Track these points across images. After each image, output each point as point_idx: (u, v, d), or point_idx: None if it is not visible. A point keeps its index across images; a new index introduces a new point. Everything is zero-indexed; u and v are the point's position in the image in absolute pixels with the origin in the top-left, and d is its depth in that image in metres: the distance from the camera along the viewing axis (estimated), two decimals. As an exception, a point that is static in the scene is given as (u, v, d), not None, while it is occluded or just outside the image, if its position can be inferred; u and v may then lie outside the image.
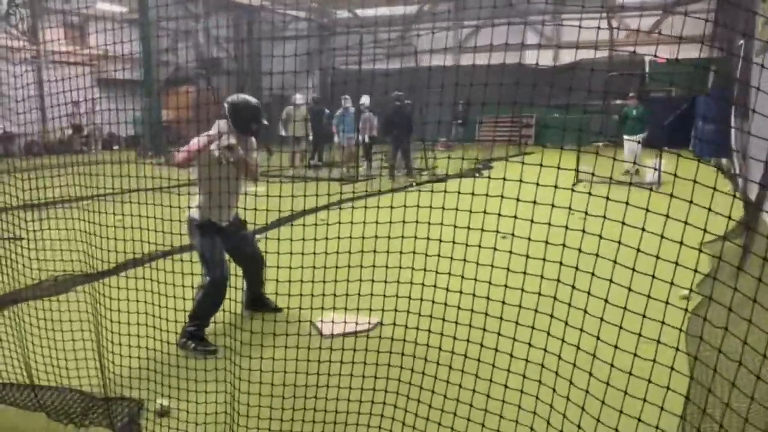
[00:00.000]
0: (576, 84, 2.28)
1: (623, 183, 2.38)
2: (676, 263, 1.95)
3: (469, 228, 2.46)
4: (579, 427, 2.30)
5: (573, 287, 2.18)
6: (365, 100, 12.69)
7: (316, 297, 2.80)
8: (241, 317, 4.24)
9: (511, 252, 2.38)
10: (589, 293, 2.16)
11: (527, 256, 2.32)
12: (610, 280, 2.09)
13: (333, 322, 3.86)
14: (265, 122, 3.99)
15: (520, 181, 2.33)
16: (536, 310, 2.34)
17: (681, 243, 1.95)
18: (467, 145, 17.63)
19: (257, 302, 4.38)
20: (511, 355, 2.41)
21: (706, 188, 1.94)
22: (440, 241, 2.55)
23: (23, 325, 3.25)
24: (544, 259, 2.26)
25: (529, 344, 2.38)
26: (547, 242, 2.25)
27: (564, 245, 2.12)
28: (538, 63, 2.35)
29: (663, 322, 2.01)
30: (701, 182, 1.94)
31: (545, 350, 2.34)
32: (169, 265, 3.15)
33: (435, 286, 2.55)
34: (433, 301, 2.62)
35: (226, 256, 3.97)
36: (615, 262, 2.08)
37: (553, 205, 2.19)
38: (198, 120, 3.63)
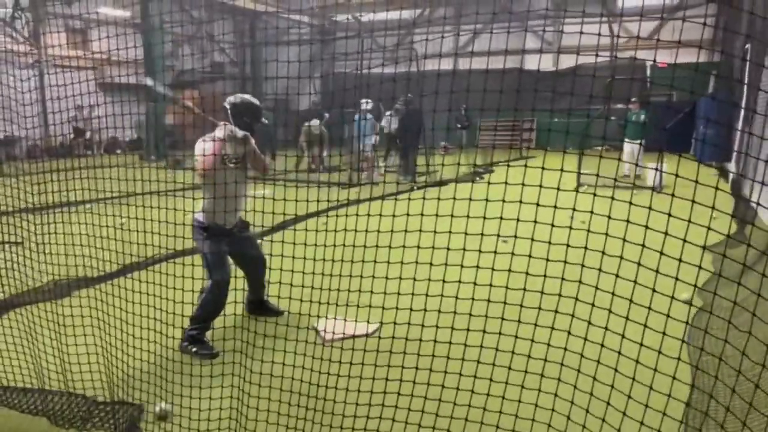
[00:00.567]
0: (577, 88, 2.29)
1: (625, 187, 2.38)
2: (680, 261, 1.95)
3: (466, 233, 2.46)
4: (583, 426, 2.30)
5: (576, 295, 2.19)
6: (369, 104, 12.77)
7: (318, 300, 2.81)
8: (246, 319, 4.25)
9: (512, 253, 2.38)
10: (593, 298, 2.16)
11: (529, 257, 2.32)
12: (616, 275, 2.09)
13: (334, 327, 3.86)
14: (265, 121, 4.03)
15: (522, 184, 2.34)
16: (538, 311, 2.34)
17: (684, 242, 1.95)
18: (468, 149, 17.64)
19: (259, 306, 4.39)
20: (510, 364, 2.41)
21: (707, 192, 1.94)
22: (447, 249, 2.55)
23: (27, 329, 3.26)
24: (545, 268, 2.27)
25: (530, 349, 2.38)
26: (549, 246, 2.25)
27: (567, 245, 2.13)
28: (540, 68, 2.35)
29: (664, 332, 2.01)
30: (701, 186, 1.95)
31: (545, 360, 2.34)
32: (172, 269, 3.16)
33: (441, 295, 2.55)
34: (439, 310, 2.62)
35: (230, 260, 3.98)
36: (620, 259, 2.08)
37: (555, 207, 2.20)
38: (202, 124, 3.66)
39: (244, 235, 4.09)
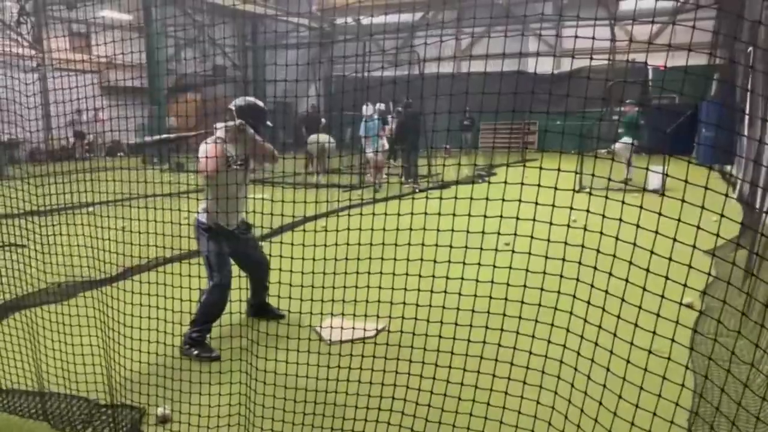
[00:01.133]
0: (578, 91, 2.30)
1: (627, 190, 2.39)
2: (688, 264, 1.95)
3: (468, 231, 2.47)
4: (578, 426, 2.30)
5: (574, 293, 2.19)
6: (370, 107, 12.78)
7: (321, 302, 2.81)
8: (248, 320, 4.25)
9: (513, 252, 2.39)
10: (595, 299, 2.16)
11: (529, 255, 2.32)
12: (626, 280, 2.09)
13: (341, 328, 3.86)
14: (270, 124, 4.05)
15: (522, 184, 2.35)
16: (538, 317, 2.34)
17: (692, 247, 1.95)
18: (471, 152, 17.64)
19: (261, 309, 4.39)
20: (512, 363, 2.41)
21: (709, 195, 1.94)
22: (450, 247, 2.56)
23: (29, 331, 3.26)
24: (544, 268, 2.27)
25: (530, 351, 2.38)
26: (547, 255, 2.26)
27: (566, 244, 2.13)
28: (543, 70, 2.36)
29: (671, 339, 2.01)
30: (702, 190, 1.95)
31: (546, 356, 2.34)
32: (174, 271, 3.17)
33: (445, 292, 2.56)
34: (443, 307, 2.63)
35: (231, 261, 3.98)
36: (629, 263, 2.08)
37: (554, 206, 2.20)
38: (205, 128, 3.67)
39: (246, 237, 4.10)
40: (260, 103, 3.95)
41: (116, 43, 3.28)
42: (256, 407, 2.76)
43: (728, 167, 11.54)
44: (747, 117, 8.26)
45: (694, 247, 1.94)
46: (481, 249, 2.47)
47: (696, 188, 1.99)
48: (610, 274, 2.09)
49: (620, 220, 2.09)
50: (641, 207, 2.02)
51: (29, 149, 15.33)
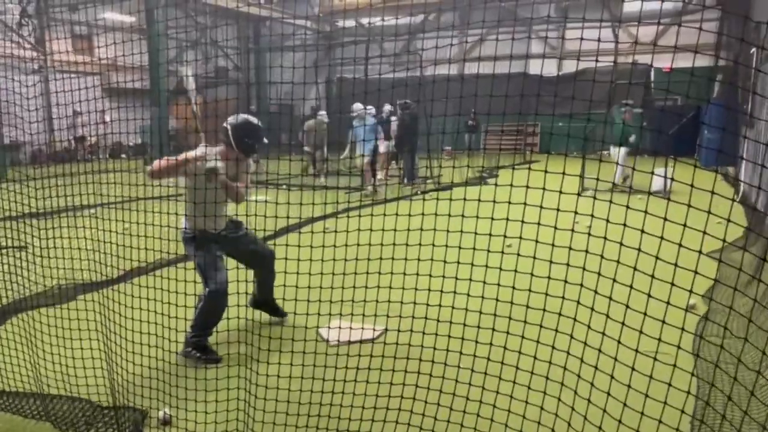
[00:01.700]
0: (581, 93, 2.29)
1: (630, 192, 2.37)
2: (698, 267, 1.94)
3: (473, 232, 2.46)
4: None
5: (579, 301, 2.17)
6: (371, 109, 12.78)
7: (323, 304, 2.80)
8: (250, 323, 4.23)
9: (518, 255, 2.38)
10: (593, 307, 2.15)
11: (534, 258, 2.31)
12: (630, 286, 2.08)
13: (339, 328, 3.85)
14: (266, 141, 3.99)
15: (527, 186, 2.33)
16: (543, 313, 2.32)
17: (700, 252, 1.94)
18: (473, 154, 17.64)
19: (264, 304, 4.37)
20: (517, 367, 2.40)
21: (712, 197, 1.93)
22: (447, 247, 2.55)
23: (31, 333, 3.26)
24: (549, 276, 2.26)
25: (535, 356, 2.36)
26: (551, 257, 2.24)
27: (570, 248, 2.11)
28: (545, 72, 2.35)
29: (677, 347, 1.99)
30: (704, 192, 1.94)
31: (550, 362, 2.33)
32: (175, 274, 3.16)
33: (449, 292, 2.55)
34: (443, 307, 2.61)
35: (227, 264, 3.93)
36: (634, 270, 2.06)
37: (558, 210, 2.19)
38: (206, 130, 3.66)
39: (237, 236, 4.05)
40: (255, 121, 3.87)
41: (118, 45, 3.27)
42: (257, 410, 2.75)
43: (730, 169, 11.51)
44: (748, 119, 8.24)
45: (700, 252, 1.92)
46: (483, 250, 2.45)
47: (699, 190, 1.97)
48: (614, 280, 2.08)
49: (625, 225, 2.07)
50: (646, 211, 2.00)
51: (31, 151, 15.37)
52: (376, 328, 3.90)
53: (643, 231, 1.99)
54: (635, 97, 14.04)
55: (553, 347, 2.32)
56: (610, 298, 2.11)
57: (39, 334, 3.28)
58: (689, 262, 1.98)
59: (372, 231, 2.78)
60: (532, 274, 2.32)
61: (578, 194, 2.30)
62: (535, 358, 2.36)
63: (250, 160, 4.00)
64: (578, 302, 2.21)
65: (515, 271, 2.38)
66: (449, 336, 2.54)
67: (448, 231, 2.51)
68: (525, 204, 2.26)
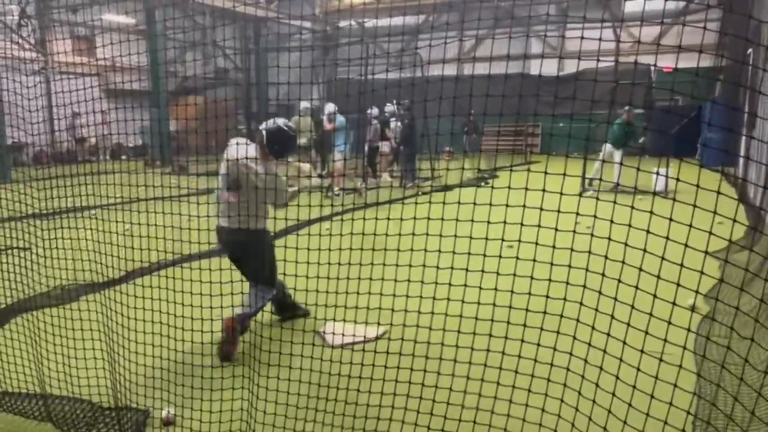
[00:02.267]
0: (582, 93, 2.28)
1: (630, 192, 2.37)
2: (704, 269, 1.93)
3: (455, 236, 2.46)
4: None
5: (581, 302, 2.17)
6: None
7: (324, 305, 2.80)
8: (252, 324, 4.23)
9: (517, 258, 2.37)
10: (597, 308, 2.14)
11: (534, 260, 2.30)
12: (636, 287, 2.07)
13: (342, 330, 3.85)
14: (301, 144, 4.15)
15: (526, 189, 2.33)
16: (543, 316, 2.32)
17: (701, 248, 1.93)
18: (473, 155, 17.64)
19: (287, 309, 4.40)
20: (516, 371, 2.39)
21: (711, 197, 1.93)
22: (453, 252, 2.54)
23: (33, 334, 3.26)
24: (549, 279, 2.25)
25: (536, 354, 2.36)
26: (552, 259, 2.24)
27: (571, 249, 2.11)
28: (545, 72, 2.35)
29: (685, 344, 1.99)
30: (707, 192, 1.93)
31: (551, 364, 2.32)
32: (177, 274, 3.16)
33: (447, 298, 2.54)
34: (446, 313, 2.61)
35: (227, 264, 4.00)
36: (640, 268, 2.06)
37: (558, 211, 2.19)
38: (206, 131, 3.65)
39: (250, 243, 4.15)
40: (287, 129, 3.94)
41: (119, 46, 3.27)
42: (258, 412, 2.74)
43: (731, 169, 11.50)
44: (748, 118, 8.23)
45: (706, 252, 1.92)
46: (479, 255, 2.45)
47: (700, 191, 1.97)
48: (619, 280, 2.07)
49: (629, 225, 2.07)
50: (651, 212, 2.00)
51: (33, 152, 15.39)
52: (378, 330, 3.90)
53: (648, 231, 1.99)
54: (636, 98, 14.02)
55: (555, 349, 2.32)
56: (615, 298, 2.11)
57: (42, 334, 3.28)
58: (690, 262, 1.98)
59: (373, 234, 2.78)
60: (531, 277, 2.32)
61: (579, 195, 2.29)
62: (535, 361, 2.36)
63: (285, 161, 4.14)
64: (581, 303, 2.20)
65: (514, 274, 2.38)
66: (453, 342, 2.54)
67: (441, 235, 2.51)
68: (524, 206, 2.26)
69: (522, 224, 2.26)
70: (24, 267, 3.37)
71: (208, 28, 16.59)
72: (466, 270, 2.48)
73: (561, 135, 2.65)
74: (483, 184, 11.28)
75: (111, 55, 3.26)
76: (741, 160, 10.07)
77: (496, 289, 2.41)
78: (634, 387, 2.08)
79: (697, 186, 1.92)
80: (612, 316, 2.09)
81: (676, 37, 1.97)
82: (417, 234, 2.60)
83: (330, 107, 11.58)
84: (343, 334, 3.70)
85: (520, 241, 2.26)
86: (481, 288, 2.43)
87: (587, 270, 2.18)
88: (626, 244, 2.05)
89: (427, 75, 3.96)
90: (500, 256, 2.40)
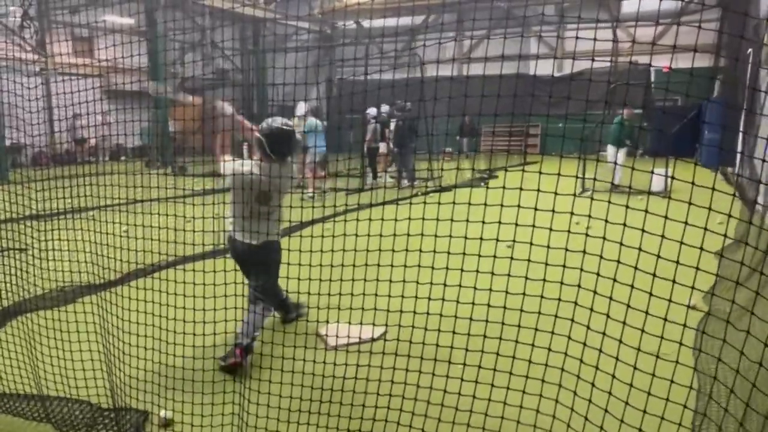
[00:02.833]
0: (580, 93, 2.29)
1: (629, 192, 2.38)
2: (703, 267, 1.94)
3: (465, 237, 2.46)
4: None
5: (575, 299, 2.17)
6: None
7: (322, 305, 2.81)
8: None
9: (512, 258, 2.38)
10: (592, 307, 2.15)
11: (529, 261, 2.31)
12: (632, 286, 2.08)
13: (338, 332, 3.85)
14: (301, 145, 4.06)
15: (520, 188, 2.34)
16: (538, 316, 2.33)
17: (701, 248, 1.94)
18: (472, 155, 17.65)
19: (288, 313, 4.38)
20: (511, 372, 2.40)
21: (713, 197, 1.93)
22: (448, 253, 2.55)
23: (31, 336, 3.27)
24: (544, 279, 2.26)
25: (530, 355, 2.37)
26: (547, 259, 2.24)
27: (566, 249, 2.11)
28: (545, 73, 2.35)
29: (681, 343, 1.99)
30: (707, 191, 1.94)
31: (546, 364, 2.33)
32: (175, 276, 3.16)
33: (443, 298, 2.55)
34: (441, 314, 2.61)
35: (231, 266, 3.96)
36: (636, 269, 2.06)
37: (553, 211, 2.19)
38: (204, 132, 3.66)
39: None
40: (287, 128, 3.84)
41: (119, 47, 3.28)
42: (256, 414, 2.75)
43: (730, 169, 11.51)
44: (746, 117, 8.24)
45: (701, 248, 1.93)
46: (474, 255, 2.45)
47: (699, 191, 1.97)
48: (615, 280, 2.08)
49: (628, 225, 2.07)
50: (646, 210, 2.00)
51: (32, 153, 15.39)
52: (377, 331, 3.90)
53: (643, 230, 2.00)
54: (635, 98, 14.03)
55: (549, 349, 2.32)
56: (611, 298, 2.11)
57: (40, 336, 3.29)
58: (689, 261, 1.98)
59: (367, 235, 2.77)
60: (526, 278, 2.32)
61: (574, 195, 2.30)
62: (529, 362, 2.37)
63: (289, 162, 4.05)
64: (575, 303, 2.21)
65: (508, 274, 2.38)
66: (451, 342, 2.55)
67: (436, 236, 2.51)
68: (518, 206, 2.26)
69: (516, 224, 2.27)
70: (21, 268, 3.37)
71: (208, 29, 16.61)
72: (461, 270, 2.49)
73: (558, 135, 2.66)
74: (482, 184, 11.28)
75: (112, 56, 3.28)
76: (739, 159, 10.06)
77: (490, 289, 2.41)
78: (630, 385, 2.08)
79: (692, 183, 1.93)
80: (607, 315, 2.09)
81: (674, 37, 1.98)
82: (412, 234, 2.61)
83: (300, 109, 11.40)
84: (338, 336, 3.70)
85: (514, 240, 2.27)
86: (475, 288, 2.43)
87: (581, 269, 2.19)
88: (622, 244, 2.06)
89: (422, 75, 3.97)
90: (494, 257, 2.40)
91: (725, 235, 2.07)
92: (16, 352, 3.35)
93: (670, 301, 1.99)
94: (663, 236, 1.95)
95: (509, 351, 2.41)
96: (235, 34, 22.57)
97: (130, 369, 3.10)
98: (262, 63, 21.22)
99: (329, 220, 7.05)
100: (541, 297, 2.29)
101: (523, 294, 2.35)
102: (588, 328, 2.21)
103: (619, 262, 2.07)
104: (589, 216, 2.09)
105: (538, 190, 2.29)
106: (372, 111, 12.75)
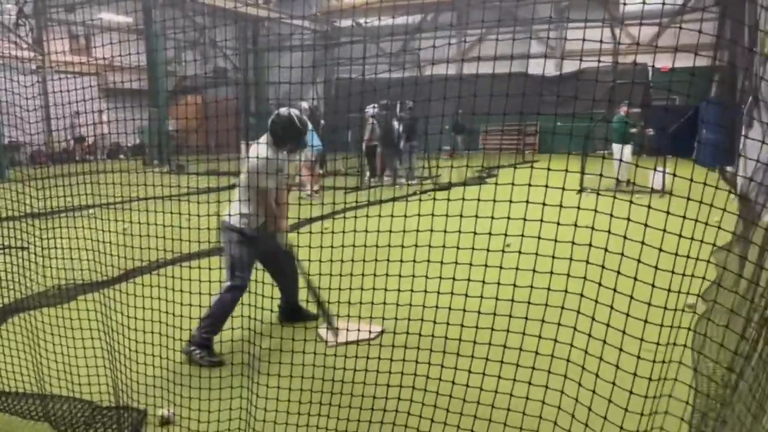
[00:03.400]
0: (579, 92, 2.29)
1: (628, 191, 2.37)
2: (697, 266, 1.94)
3: (461, 231, 2.46)
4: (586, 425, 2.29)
5: (579, 298, 2.17)
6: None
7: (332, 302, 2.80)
8: (252, 322, 4.23)
9: (503, 251, 2.38)
10: (594, 314, 2.15)
11: (535, 262, 2.31)
12: (634, 279, 2.08)
13: (339, 330, 3.85)
14: (308, 139, 4.05)
15: (512, 184, 2.34)
16: (545, 308, 2.33)
17: (683, 251, 1.94)
18: (471, 154, 17.68)
19: (293, 313, 4.38)
20: (517, 364, 2.40)
21: (710, 197, 1.93)
22: (442, 247, 2.55)
23: (32, 334, 3.26)
24: (552, 271, 2.26)
25: (537, 347, 2.37)
26: (554, 253, 2.24)
27: (571, 247, 2.11)
28: (543, 72, 2.35)
29: (683, 345, 1.99)
30: (705, 191, 1.94)
31: (552, 355, 2.33)
32: (175, 273, 3.16)
33: (438, 291, 2.55)
34: (446, 308, 2.61)
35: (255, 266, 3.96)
36: (638, 261, 2.07)
37: (560, 206, 2.19)
38: (206, 130, 3.65)
39: (280, 245, 4.07)
40: (296, 120, 3.86)
41: (116, 45, 3.27)
42: (257, 409, 2.75)
43: (729, 168, 11.52)
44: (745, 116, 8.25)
45: (694, 240, 1.93)
46: (466, 250, 2.45)
47: (697, 189, 1.98)
48: (618, 271, 2.08)
49: (631, 226, 2.07)
50: (649, 206, 2.00)
51: (30, 152, 15.35)
52: (375, 328, 3.90)
53: (646, 225, 1.99)
54: (634, 97, 14.04)
55: (555, 340, 2.32)
56: (611, 303, 2.12)
57: (40, 334, 3.28)
58: (688, 261, 1.99)
59: (382, 233, 2.77)
60: (517, 269, 2.32)
61: (573, 191, 2.30)
62: (536, 353, 2.37)
63: (300, 156, 4.07)
64: (567, 299, 2.21)
65: (500, 266, 2.38)
66: (446, 338, 2.55)
67: (431, 230, 2.52)
68: (510, 201, 2.26)
69: (509, 218, 2.28)
70: (21, 266, 3.36)
71: (207, 28, 16.58)
72: (455, 263, 2.50)
73: (555, 134, 2.66)
74: (485, 181, 11.29)
75: (109, 54, 3.26)
76: (739, 158, 10.07)
77: (483, 281, 2.42)
78: (635, 374, 2.09)
79: (690, 179, 1.93)
80: (611, 306, 2.10)
81: (674, 37, 1.98)
82: (407, 231, 2.61)
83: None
84: (337, 330, 3.70)
85: (506, 234, 2.28)
86: (469, 280, 2.44)
87: (571, 259, 2.20)
88: (625, 236, 2.06)
89: (418, 75, 3.96)
90: (488, 250, 2.40)
91: (720, 226, 2.07)
92: (17, 350, 3.34)
93: (669, 290, 1.99)
94: (664, 230, 1.95)
95: (515, 343, 2.42)
96: (232, 34, 22.53)
97: (131, 366, 3.10)
98: (261, 62, 21.21)
99: (328, 218, 7.04)
100: (528, 300, 2.29)
101: (513, 285, 2.35)
102: (592, 319, 2.21)
103: (623, 255, 2.07)
104: (578, 209, 2.09)
105: (529, 185, 2.29)
106: (370, 110, 12.76)
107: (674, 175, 2.04)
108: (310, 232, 3.03)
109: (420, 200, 2.80)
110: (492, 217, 2.41)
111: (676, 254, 1.92)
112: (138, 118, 3.86)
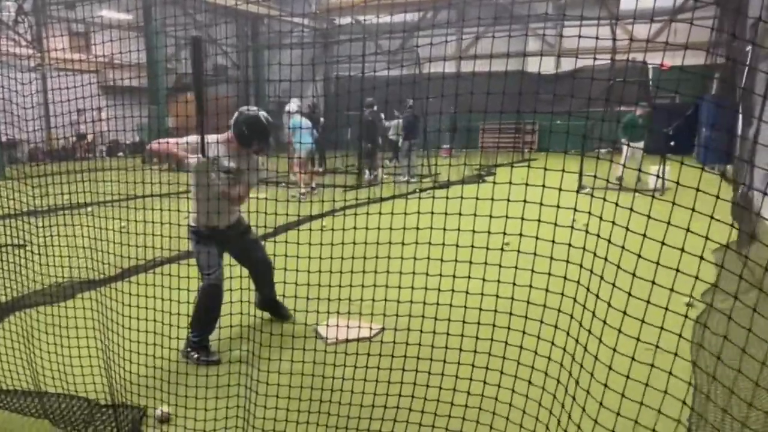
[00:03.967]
0: (578, 91, 2.28)
1: (627, 191, 2.37)
2: (701, 265, 1.94)
3: (459, 229, 2.46)
4: (578, 427, 2.29)
5: (574, 296, 2.18)
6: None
7: (321, 302, 2.81)
8: (251, 321, 4.24)
9: (502, 249, 2.38)
10: (594, 311, 2.15)
11: (533, 261, 2.32)
12: (633, 278, 2.08)
13: (338, 329, 3.85)
14: (272, 140, 3.99)
15: (508, 183, 2.34)
16: (543, 309, 2.33)
17: (683, 250, 1.94)
18: (469, 152, 17.66)
19: (268, 305, 4.39)
20: (519, 361, 2.41)
21: (710, 195, 1.93)
22: (429, 243, 2.55)
23: (29, 332, 3.26)
24: (550, 272, 2.26)
25: (536, 346, 2.37)
26: (553, 248, 2.25)
27: (570, 246, 2.11)
28: (541, 70, 2.35)
29: (679, 334, 2.00)
30: (704, 190, 1.94)
31: (549, 358, 2.34)
32: (173, 271, 3.16)
33: (425, 287, 2.55)
34: (446, 306, 2.62)
35: (226, 261, 3.93)
36: (643, 268, 2.07)
37: (558, 206, 2.19)
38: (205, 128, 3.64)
39: (247, 238, 4.06)
40: (263, 118, 3.80)
41: (115, 43, 3.27)
42: (257, 407, 2.75)
43: (728, 167, 11.52)
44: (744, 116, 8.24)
45: (705, 239, 1.93)
46: (461, 249, 2.45)
47: (695, 188, 1.97)
48: (618, 266, 2.08)
49: (630, 224, 2.07)
50: (650, 209, 2.00)
51: (28, 149, 15.34)
52: (374, 326, 3.91)
53: (649, 217, 1.99)
54: (633, 96, 14.01)
55: (552, 342, 2.33)
56: (609, 303, 2.12)
57: (38, 332, 3.28)
58: (686, 260, 1.99)
59: (379, 230, 2.78)
60: (499, 265, 2.33)
61: (576, 190, 2.30)
62: (535, 353, 2.37)
63: (257, 156, 4.02)
64: (571, 305, 2.21)
65: (485, 262, 2.39)
66: (447, 334, 2.55)
67: (432, 230, 2.52)
68: (507, 201, 2.26)
69: (507, 217, 2.27)
70: (19, 264, 3.36)
71: (206, 26, 16.55)
72: (455, 260, 2.50)
73: (552, 132, 2.65)
74: (481, 182, 11.28)
75: (109, 51, 3.26)
76: (736, 159, 10.07)
77: (483, 278, 2.42)
78: (627, 377, 2.09)
79: (698, 188, 1.93)
80: (608, 303, 2.10)
81: (673, 34, 1.98)
82: (407, 228, 2.61)
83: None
84: (337, 334, 3.70)
85: (491, 232, 2.28)
86: (469, 277, 2.44)
87: (568, 261, 2.19)
88: (627, 229, 2.06)
89: (415, 74, 3.95)
90: (487, 248, 2.40)
91: (718, 217, 2.07)
92: (13, 348, 3.34)
93: (671, 290, 1.99)
94: (667, 224, 1.95)
95: (516, 342, 2.41)
96: (231, 31, 22.47)
97: (128, 365, 3.10)
98: (260, 60, 21.17)
99: (327, 215, 7.05)
100: (512, 297, 2.29)
101: (530, 287, 2.35)
102: (593, 314, 2.21)
103: (623, 247, 2.06)
104: (575, 210, 2.09)
105: (526, 184, 2.29)
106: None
107: (677, 183, 2.03)
108: (310, 230, 3.03)
109: (419, 198, 2.80)
110: (491, 216, 2.41)
111: (682, 250, 1.91)
112: (137, 115, 3.85)
